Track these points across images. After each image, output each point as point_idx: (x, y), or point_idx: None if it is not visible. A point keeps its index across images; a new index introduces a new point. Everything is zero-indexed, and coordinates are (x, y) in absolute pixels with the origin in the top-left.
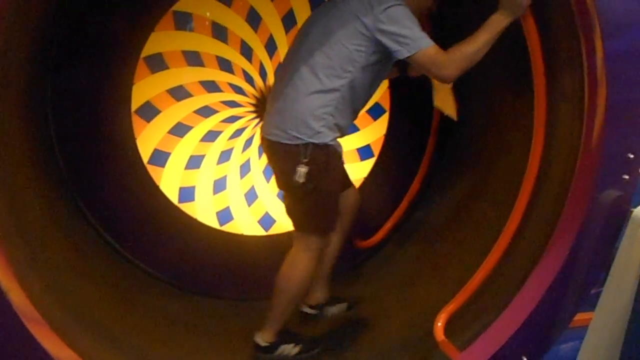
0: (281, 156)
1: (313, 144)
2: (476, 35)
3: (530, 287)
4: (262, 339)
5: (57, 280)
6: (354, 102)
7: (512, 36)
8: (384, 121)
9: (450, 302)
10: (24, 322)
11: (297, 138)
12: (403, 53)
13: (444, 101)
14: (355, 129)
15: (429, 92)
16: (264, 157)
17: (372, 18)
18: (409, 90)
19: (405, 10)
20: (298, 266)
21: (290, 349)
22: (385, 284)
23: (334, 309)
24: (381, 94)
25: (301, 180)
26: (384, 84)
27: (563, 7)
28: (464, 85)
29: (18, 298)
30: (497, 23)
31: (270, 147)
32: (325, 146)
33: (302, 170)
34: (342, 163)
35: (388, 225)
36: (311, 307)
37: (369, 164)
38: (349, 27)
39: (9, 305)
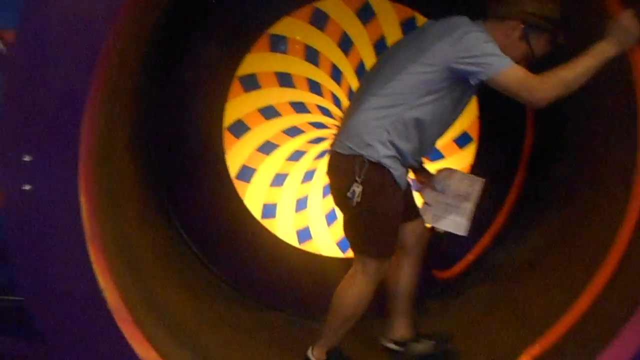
0: (337, 171)
1: (369, 162)
2: (577, 61)
3: (622, 343)
4: (313, 354)
5: (144, 282)
6: (419, 128)
7: (616, 65)
8: (470, 150)
9: (531, 347)
10: (114, 317)
11: (350, 149)
12: (485, 74)
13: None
14: (439, 156)
15: (521, 124)
16: None
17: (451, 46)
18: (500, 121)
19: (485, 35)
20: (353, 288)
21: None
22: (459, 320)
23: (420, 347)
24: (470, 123)
25: (355, 198)
26: (473, 112)
27: None
28: (556, 117)
29: (111, 296)
30: (602, 52)
31: (330, 159)
32: (381, 167)
33: (357, 189)
34: (402, 192)
35: (468, 258)
36: (395, 342)
37: None
38: (424, 54)
39: (103, 301)
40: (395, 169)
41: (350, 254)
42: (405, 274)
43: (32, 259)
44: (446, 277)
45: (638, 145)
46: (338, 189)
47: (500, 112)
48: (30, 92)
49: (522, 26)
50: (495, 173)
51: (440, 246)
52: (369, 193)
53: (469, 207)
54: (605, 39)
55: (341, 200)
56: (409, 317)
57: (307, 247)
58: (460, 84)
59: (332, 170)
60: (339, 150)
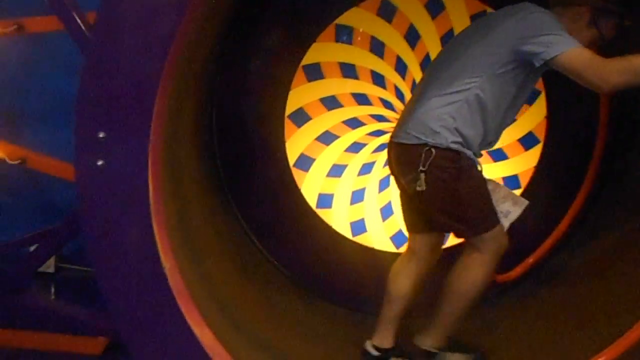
0: (404, 163)
1: (438, 149)
2: None
3: None
4: (432, 344)
5: (201, 262)
6: (483, 113)
7: None
8: (536, 152)
9: (598, 356)
10: (174, 294)
11: (417, 138)
12: (548, 54)
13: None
14: (503, 157)
15: (592, 127)
16: None
17: (514, 27)
18: (568, 124)
19: (551, 17)
20: (477, 269)
21: (453, 358)
22: (517, 324)
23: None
24: (537, 124)
25: (419, 187)
26: (542, 112)
27: None
28: (632, 116)
29: (172, 273)
30: None
31: (394, 152)
32: (451, 151)
33: (421, 177)
34: (478, 168)
35: (529, 261)
36: (375, 347)
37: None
38: (487, 37)
39: (164, 277)
40: (465, 151)
41: (403, 249)
42: (407, 278)
43: (101, 232)
44: (504, 280)
45: None
46: (408, 183)
47: (570, 111)
48: (107, 72)
49: (591, 11)
50: (561, 177)
51: None
52: (447, 179)
53: (506, 225)
54: None
55: (414, 193)
56: (398, 325)
57: (361, 239)
58: (525, 68)
59: (399, 164)
60: (403, 141)
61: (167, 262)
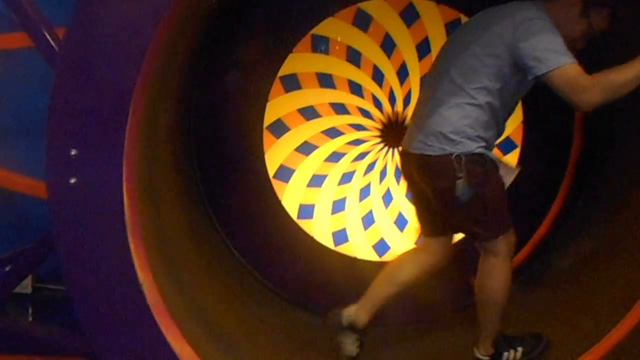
0: (435, 174)
1: (465, 155)
2: (629, 65)
3: None
4: (482, 352)
5: (180, 276)
6: (495, 115)
7: None
8: (514, 157)
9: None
10: (152, 311)
11: (442, 149)
12: (540, 70)
13: None
14: None
15: (568, 129)
16: (385, 182)
17: (511, 31)
18: (544, 128)
19: (547, 24)
20: (495, 275)
21: (514, 353)
22: (502, 327)
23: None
24: (514, 129)
25: (468, 195)
26: (517, 119)
27: None
28: (606, 121)
29: (149, 289)
30: None
31: (417, 163)
32: (478, 156)
33: (465, 186)
34: (498, 169)
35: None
36: (349, 318)
37: None
38: (487, 42)
39: (142, 295)
40: (488, 153)
41: (387, 257)
42: (415, 267)
43: (75, 251)
44: None
45: None
46: (442, 191)
47: (545, 116)
48: (79, 88)
49: (582, 1)
50: (539, 180)
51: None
52: (474, 184)
53: None
54: None
55: (448, 200)
56: (376, 308)
57: (343, 249)
58: (522, 68)
59: (426, 174)
60: (427, 153)
61: (145, 280)
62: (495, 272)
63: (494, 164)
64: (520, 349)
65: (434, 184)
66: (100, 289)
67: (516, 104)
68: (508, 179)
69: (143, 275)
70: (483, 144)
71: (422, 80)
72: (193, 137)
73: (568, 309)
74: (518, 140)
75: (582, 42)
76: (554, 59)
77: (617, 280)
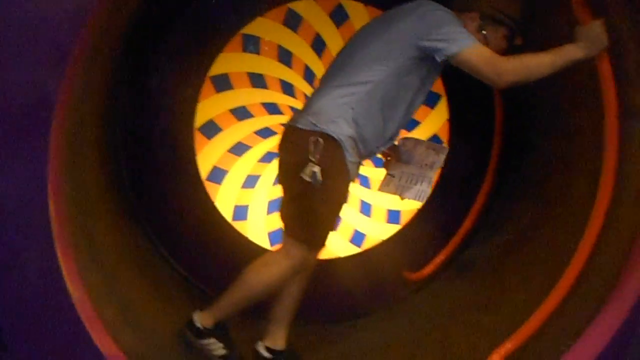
0: (291, 146)
1: (327, 140)
2: (544, 54)
3: (587, 340)
4: (200, 319)
5: (111, 283)
6: (383, 107)
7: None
8: None
9: (505, 342)
10: (83, 322)
11: (312, 124)
12: (450, 49)
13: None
14: None
15: (491, 125)
16: None
17: (416, 22)
18: (468, 125)
19: (452, 16)
20: (271, 267)
21: (218, 347)
22: (432, 320)
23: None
24: (440, 126)
25: (317, 180)
26: (443, 116)
27: None
28: (524, 118)
29: (81, 300)
30: (568, 52)
31: (284, 134)
32: (338, 147)
33: (316, 170)
34: (349, 183)
35: (439, 258)
36: (268, 349)
37: None
38: (388, 32)
39: (69, 299)
40: (351, 154)
41: (324, 256)
42: (297, 282)
43: None
44: (417, 279)
45: (603, 144)
46: (288, 164)
47: (469, 114)
48: None
49: (479, 17)
50: (465, 174)
51: (412, 247)
52: (323, 174)
53: (433, 175)
54: (574, 42)
55: (289, 177)
56: (287, 327)
57: None
58: (426, 62)
59: (284, 145)
60: (297, 125)
61: (74, 289)
62: (274, 268)
63: (346, 167)
64: (226, 350)
65: (285, 157)
66: (28, 305)
67: (416, 104)
68: (440, 159)
69: (72, 286)
70: (355, 133)
71: None
72: (121, 139)
73: (491, 299)
74: (445, 137)
75: None
76: (465, 39)
77: (535, 268)
